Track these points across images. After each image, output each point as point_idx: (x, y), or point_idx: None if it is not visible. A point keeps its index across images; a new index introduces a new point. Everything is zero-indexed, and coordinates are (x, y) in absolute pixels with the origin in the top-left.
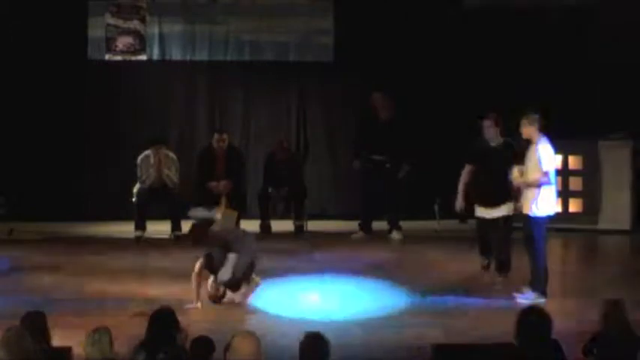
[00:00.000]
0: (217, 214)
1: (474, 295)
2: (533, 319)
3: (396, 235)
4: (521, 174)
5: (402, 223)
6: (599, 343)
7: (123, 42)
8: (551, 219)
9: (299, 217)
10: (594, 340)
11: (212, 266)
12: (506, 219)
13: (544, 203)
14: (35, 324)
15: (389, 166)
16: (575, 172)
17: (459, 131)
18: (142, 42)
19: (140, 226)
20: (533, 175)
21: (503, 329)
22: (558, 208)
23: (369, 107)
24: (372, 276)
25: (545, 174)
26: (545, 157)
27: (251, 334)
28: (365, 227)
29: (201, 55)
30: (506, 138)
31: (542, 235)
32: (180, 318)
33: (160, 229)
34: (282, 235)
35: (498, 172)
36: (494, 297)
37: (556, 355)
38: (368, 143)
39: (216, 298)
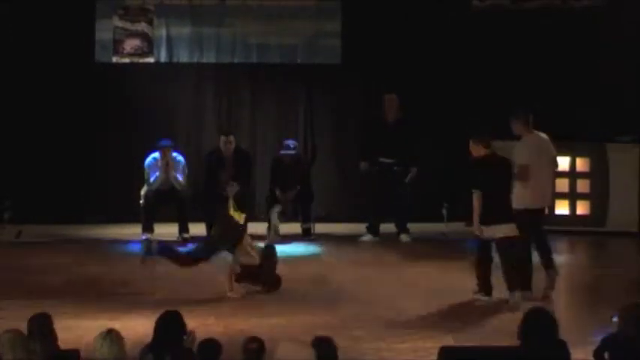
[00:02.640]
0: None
1: (480, 298)
2: (537, 321)
3: (404, 237)
4: None
5: (409, 226)
6: (613, 346)
7: (130, 44)
8: (532, 212)
9: (306, 219)
10: (606, 343)
11: None
12: (498, 241)
13: (519, 197)
14: (42, 326)
15: (397, 168)
16: (582, 175)
17: (467, 134)
18: (149, 44)
19: (148, 229)
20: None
21: (512, 331)
22: (536, 204)
23: (378, 109)
24: (380, 278)
25: (518, 167)
26: (519, 150)
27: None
28: (373, 230)
29: (209, 58)
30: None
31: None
32: (187, 321)
33: (167, 231)
34: (290, 238)
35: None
36: (500, 298)
37: (562, 356)
38: (376, 145)
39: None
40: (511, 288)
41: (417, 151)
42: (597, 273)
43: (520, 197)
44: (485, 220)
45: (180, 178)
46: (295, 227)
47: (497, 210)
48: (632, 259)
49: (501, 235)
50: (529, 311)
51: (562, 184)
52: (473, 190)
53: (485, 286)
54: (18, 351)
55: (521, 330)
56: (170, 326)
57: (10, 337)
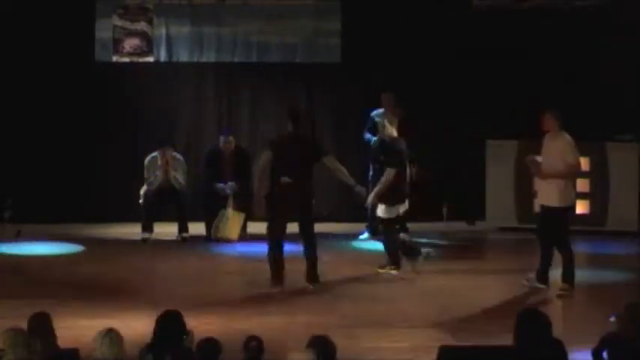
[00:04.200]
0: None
1: (480, 296)
2: (529, 322)
3: (403, 237)
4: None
5: (409, 225)
6: (611, 346)
7: (130, 44)
8: (570, 209)
9: None
10: (605, 342)
11: None
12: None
13: (564, 194)
14: (41, 325)
15: None
16: (582, 174)
17: (467, 133)
18: (149, 43)
19: (147, 228)
20: (556, 166)
21: (512, 331)
22: (572, 202)
23: (378, 107)
24: (379, 278)
25: (577, 162)
26: (572, 147)
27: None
28: (372, 229)
29: (209, 57)
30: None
31: (562, 225)
32: (187, 321)
33: (167, 230)
34: (289, 237)
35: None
36: (500, 298)
37: (559, 355)
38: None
39: None
40: (397, 263)
41: (416, 151)
42: (597, 273)
43: (567, 195)
44: (395, 199)
45: (180, 177)
46: (295, 226)
47: (403, 189)
48: (632, 259)
49: (400, 213)
50: (522, 312)
51: None
52: (391, 168)
53: (396, 260)
54: (19, 349)
55: (515, 331)
56: (170, 326)
57: (11, 335)
